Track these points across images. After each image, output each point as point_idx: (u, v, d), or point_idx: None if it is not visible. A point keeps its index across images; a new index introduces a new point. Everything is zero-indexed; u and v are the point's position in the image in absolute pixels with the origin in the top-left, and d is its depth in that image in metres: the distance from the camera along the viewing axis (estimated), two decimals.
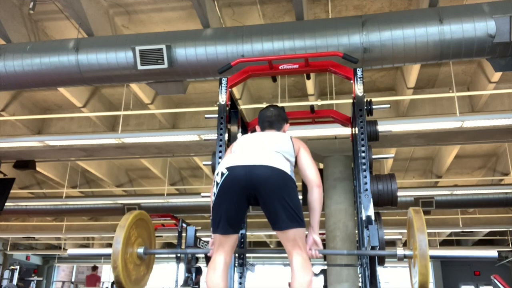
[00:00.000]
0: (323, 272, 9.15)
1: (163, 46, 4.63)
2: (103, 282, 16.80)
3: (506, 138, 6.93)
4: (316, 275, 9.30)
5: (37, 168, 9.13)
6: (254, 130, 3.78)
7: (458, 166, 10.61)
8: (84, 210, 11.26)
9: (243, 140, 2.43)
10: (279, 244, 18.48)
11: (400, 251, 2.20)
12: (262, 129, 2.60)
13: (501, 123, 5.92)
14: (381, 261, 3.04)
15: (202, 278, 10.19)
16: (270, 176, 2.07)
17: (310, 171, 2.32)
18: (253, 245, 18.04)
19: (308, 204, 2.30)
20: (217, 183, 2.13)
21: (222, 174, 2.10)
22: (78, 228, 15.47)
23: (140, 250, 2.30)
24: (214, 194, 2.14)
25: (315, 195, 2.27)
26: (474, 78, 7.23)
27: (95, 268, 13.80)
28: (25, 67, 4.91)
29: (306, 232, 2.34)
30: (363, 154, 3.04)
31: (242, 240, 3.56)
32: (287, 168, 2.15)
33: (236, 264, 3.38)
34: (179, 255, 8.56)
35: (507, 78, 6.75)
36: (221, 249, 2.17)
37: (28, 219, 15.07)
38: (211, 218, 2.23)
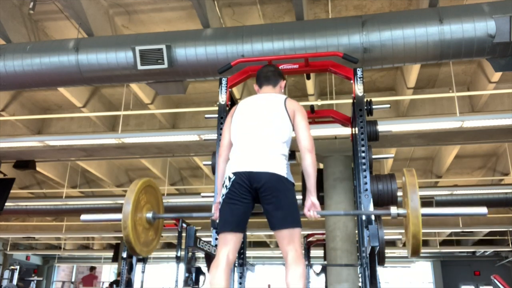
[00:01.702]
0: (324, 270, 9.15)
1: (163, 46, 4.63)
2: (103, 282, 16.79)
3: (506, 138, 6.93)
4: (317, 274, 9.30)
5: (37, 168, 9.13)
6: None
7: (458, 166, 10.61)
8: (84, 210, 11.25)
9: (242, 118, 2.53)
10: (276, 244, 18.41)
11: (394, 210, 2.37)
12: (260, 85, 2.72)
13: (501, 123, 5.92)
14: (381, 261, 3.04)
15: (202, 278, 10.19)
16: (268, 181, 2.24)
17: (303, 136, 2.41)
18: (253, 245, 18.04)
19: (303, 169, 2.39)
20: (226, 186, 2.31)
21: (229, 178, 2.29)
22: (78, 228, 15.47)
23: (149, 214, 2.45)
24: (223, 195, 2.30)
25: (308, 160, 2.36)
26: (474, 78, 7.23)
27: (92, 268, 13.78)
28: (25, 67, 4.91)
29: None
30: (363, 154, 3.05)
31: (243, 240, 3.56)
32: (283, 170, 2.28)
33: (236, 264, 3.38)
34: (179, 255, 8.59)
35: (507, 78, 6.75)
36: (225, 248, 2.26)
37: (28, 219, 15.07)
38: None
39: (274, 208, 2.23)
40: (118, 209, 9.32)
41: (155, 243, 2.53)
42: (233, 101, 3.55)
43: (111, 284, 13.05)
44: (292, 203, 2.27)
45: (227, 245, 2.27)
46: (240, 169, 2.28)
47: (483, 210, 2.24)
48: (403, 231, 2.50)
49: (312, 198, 2.39)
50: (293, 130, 2.48)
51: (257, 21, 5.96)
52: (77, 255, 21.08)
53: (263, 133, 2.40)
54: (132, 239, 2.25)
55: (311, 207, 2.40)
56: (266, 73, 2.73)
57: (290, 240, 2.23)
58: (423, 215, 2.16)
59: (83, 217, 2.75)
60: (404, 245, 15.51)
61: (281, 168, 2.28)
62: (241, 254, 3.52)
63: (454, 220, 12.87)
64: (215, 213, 2.55)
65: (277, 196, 2.23)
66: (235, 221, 2.28)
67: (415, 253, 2.25)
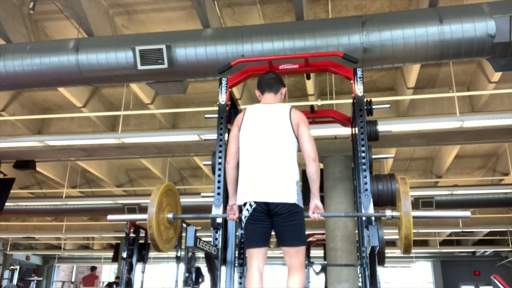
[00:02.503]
0: (324, 270, 9.16)
1: (163, 46, 4.62)
2: (102, 282, 16.79)
3: (506, 138, 6.93)
4: (317, 273, 9.31)
5: (37, 168, 9.13)
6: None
7: (458, 166, 10.61)
8: (84, 210, 11.25)
9: (250, 133, 2.71)
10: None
11: (388, 212, 2.59)
12: (262, 92, 2.89)
13: (501, 123, 5.92)
14: (381, 261, 3.04)
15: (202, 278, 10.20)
16: (281, 208, 2.53)
17: (307, 145, 2.64)
18: None
19: (308, 176, 2.63)
20: (248, 210, 2.59)
21: (251, 205, 2.57)
22: (78, 228, 15.47)
23: (170, 215, 2.69)
24: (245, 217, 2.60)
25: (312, 168, 2.61)
26: (474, 78, 7.23)
27: (93, 268, 13.78)
28: (25, 67, 4.91)
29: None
30: (363, 154, 3.05)
31: (242, 240, 3.56)
32: (295, 197, 2.54)
33: (236, 264, 3.38)
34: (179, 255, 8.61)
35: (507, 78, 6.75)
36: (255, 261, 2.57)
37: (28, 219, 15.07)
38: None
39: (284, 229, 2.53)
40: (118, 209, 9.31)
41: (174, 241, 2.82)
42: (233, 101, 3.55)
43: (109, 284, 13.05)
44: (300, 224, 2.56)
45: (256, 258, 2.57)
46: (259, 198, 2.56)
47: (466, 213, 2.50)
48: (398, 213, 2.57)
49: (316, 201, 2.64)
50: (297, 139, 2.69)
51: (257, 21, 5.96)
52: (77, 255, 21.08)
53: (275, 156, 2.61)
54: (156, 237, 2.50)
55: (315, 209, 2.64)
56: (268, 80, 2.89)
57: (296, 256, 2.53)
58: (414, 217, 2.42)
59: (110, 217, 2.89)
60: None
61: (293, 196, 2.54)
62: (241, 254, 3.53)
63: (454, 220, 12.87)
64: (230, 214, 2.80)
65: (287, 220, 2.52)
66: (260, 238, 2.58)
67: (407, 251, 2.49)
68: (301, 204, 2.59)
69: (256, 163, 2.64)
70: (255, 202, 2.57)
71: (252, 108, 2.80)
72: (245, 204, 2.61)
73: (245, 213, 2.61)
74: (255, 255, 2.58)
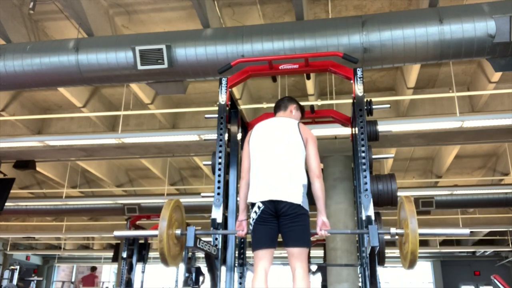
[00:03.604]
0: (320, 269, 9.17)
1: (163, 46, 4.62)
2: (102, 282, 16.79)
3: (506, 138, 6.93)
4: (313, 273, 9.32)
5: (37, 168, 9.13)
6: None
7: (458, 166, 10.61)
8: (84, 210, 11.25)
9: (260, 143, 2.85)
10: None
11: (393, 229, 2.60)
12: (275, 114, 3.11)
13: (501, 123, 5.92)
14: (381, 261, 3.04)
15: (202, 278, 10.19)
16: (287, 209, 2.61)
17: (312, 162, 2.78)
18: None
19: (313, 193, 2.71)
20: (256, 212, 2.66)
21: (259, 207, 2.65)
22: (78, 228, 15.47)
23: (178, 231, 2.71)
24: (253, 219, 2.67)
25: (316, 185, 2.71)
26: (474, 78, 7.23)
27: (93, 268, 13.77)
28: (25, 67, 4.91)
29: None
30: (363, 154, 3.05)
31: (243, 240, 3.56)
32: (300, 199, 2.62)
33: (236, 264, 3.38)
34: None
35: (507, 78, 6.75)
36: (261, 262, 2.63)
37: (28, 219, 15.07)
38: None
39: (289, 230, 2.59)
40: (118, 209, 9.28)
41: (179, 258, 2.84)
42: (233, 101, 3.55)
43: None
44: (304, 226, 2.62)
45: (263, 260, 2.63)
46: (266, 198, 2.64)
47: (466, 231, 2.64)
48: (402, 231, 2.53)
49: (322, 217, 2.71)
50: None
51: (257, 21, 5.96)
52: (77, 255, 21.08)
53: (283, 161, 2.72)
54: (166, 251, 2.54)
55: (322, 226, 2.71)
56: (278, 103, 3.14)
57: (299, 257, 2.57)
58: (420, 234, 2.44)
59: (117, 233, 2.88)
60: None
61: (298, 197, 2.63)
62: (241, 254, 3.53)
63: (454, 220, 12.88)
64: (238, 230, 2.85)
65: (292, 220, 2.59)
66: (267, 240, 2.65)
67: (412, 265, 2.48)
68: (306, 207, 2.65)
69: (265, 167, 2.74)
70: (263, 203, 2.64)
71: (260, 123, 2.96)
72: (253, 206, 2.69)
73: (253, 216, 2.68)
74: (262, 257, 2.64)
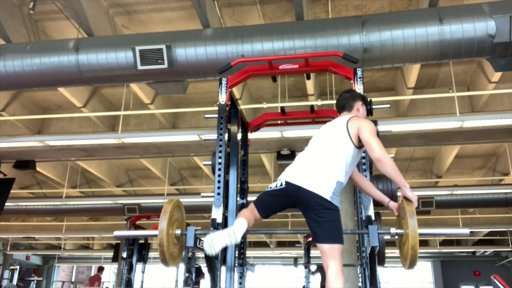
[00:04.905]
0: (319, 269, 9.18)
1: (163, 46, 4.62)
2: (103, 282, 16.79)
3: (506, 138, 6.92)
4: (312, 273, 9.33)
5: (37, 168, 9.12)
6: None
7: (458, 166, 10.61)
8: (84, 210, 11.25)
9: (315, 135, 2.82)
10: (279, 244, 18.47)
11: (393, 229, 2.61)
12: (339, 113, 2.95)
13: (501, 123, 5.92)
14: (381, 261, 3.04)
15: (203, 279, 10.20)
16: (309, 200, 2.51)
17: (369, 149, 2.55)
18: (253, 245, 18.04)
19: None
20: (276, 185, 2.63)
21: (282, 183, 2.60)
22: (78, 228, 15.47)
23: (178, 231, 2.71)
24: (270, 187, 2.66)
25: (381, 167, 2.50)
26: (474, 78, 7.23)
27: (100, 269, 13.76)
28: (25, 67, 4.91)
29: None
30: (363, 154, 3.05)
31: (242, 240, 3.56)
32: (326, 192, 2.49)
33: (236, 264, 3.38)
34: None
35: (507, 78, 6.75)
36: (250, 212, 2.63)
37: (28, 219, 15.07)
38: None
39: (315, 225, 2.50)
40: (118, 209, 9.28)
41: (179, 259, 2.84)
42: (233, 101, 3.54)
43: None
44: (331, 221, 2.49)
45: (250, 212, 2.63)
46: (291, 180, 2.58)
47: (466, 231, 2.69)
48: (402, 231, 2.53)
49: (406, 191, 2.54)
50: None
51: (257, 21, 5.96)
52: (77, 255, 21.08)
53: (319, 154, 2.64)
54: (166, 251, 2.55)
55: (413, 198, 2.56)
56: (340, 102, 2.94)
57: (330, 255, 2.50)
58: (420, 234, 2.46)
59: (116, 233, 2.88)
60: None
61: (324, 191, 2.49)
62: (241, 254, 3.53)
63: (454, 220, 12.88)
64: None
65: (319, 215, 2.48)
66: (264, 210, 2.65)
67: (412, 264, 2.47)
68: (336, 203, 2.52)
69: (302, 157, 2.70)
70: (286, 183, 2.58)
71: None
72: (275, 181, 2.65)
73: (272, 186, 2.66)
74: (251, 211, 2.65)
